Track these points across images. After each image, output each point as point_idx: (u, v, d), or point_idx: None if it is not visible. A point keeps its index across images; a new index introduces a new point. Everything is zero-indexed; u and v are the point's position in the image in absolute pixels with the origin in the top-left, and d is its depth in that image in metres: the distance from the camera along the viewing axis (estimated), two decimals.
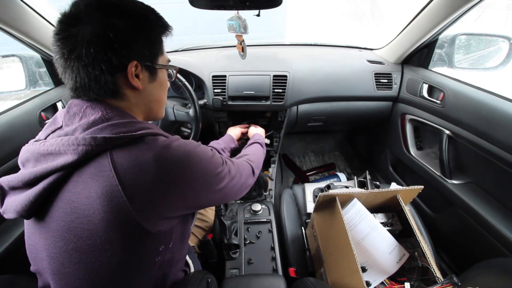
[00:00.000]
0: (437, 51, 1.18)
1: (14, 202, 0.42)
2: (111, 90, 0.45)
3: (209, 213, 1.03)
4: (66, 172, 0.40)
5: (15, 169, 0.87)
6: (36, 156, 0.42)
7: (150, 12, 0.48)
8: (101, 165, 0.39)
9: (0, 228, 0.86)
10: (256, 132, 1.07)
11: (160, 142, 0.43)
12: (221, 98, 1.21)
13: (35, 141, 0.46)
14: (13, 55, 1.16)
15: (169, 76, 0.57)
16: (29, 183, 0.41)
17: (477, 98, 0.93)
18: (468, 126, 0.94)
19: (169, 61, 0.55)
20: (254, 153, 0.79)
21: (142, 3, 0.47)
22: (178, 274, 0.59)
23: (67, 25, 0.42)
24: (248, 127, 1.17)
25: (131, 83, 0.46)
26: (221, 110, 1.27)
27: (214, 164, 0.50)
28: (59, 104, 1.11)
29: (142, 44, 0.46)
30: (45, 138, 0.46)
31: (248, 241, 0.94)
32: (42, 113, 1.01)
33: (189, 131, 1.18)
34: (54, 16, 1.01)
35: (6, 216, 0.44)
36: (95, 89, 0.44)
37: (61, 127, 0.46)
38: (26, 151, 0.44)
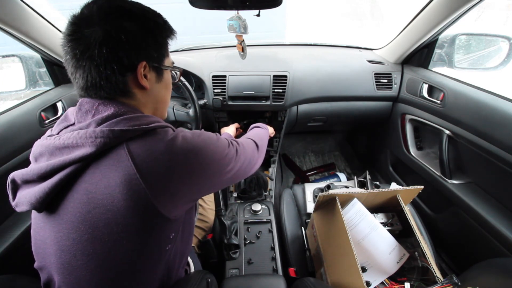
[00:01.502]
0: (437, 51, 1.18)
1: (28, 195, 0.43)
2: (121, 90, 0.47)
3: (209, 213, 1.03)
4: (83, 164, 0.42)
5: (16, 169, 0.87)
6: (51, 150, 0.43)
7: (158, 17, 0.51)
8: (119, 156, 0.41)
9: (0, 228, 0.86)
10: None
11: (170, 133, 0.46)
12: (221, 98, 1.21)
13: (49, 136, 0.46)
14: (13, 55, 1.16)
15: (172, 77, 0.60)
16: (44, 176, 0.42)
17: (477, 98, 0.93)
18: (468, 126, 0.94)
19: (173, 63, 0.58)
20: (253, 132, 0.80)
21: (150, 8, 0.50)
22: (180, 272, 0.60)
23: (80, 26, 0.44)
24: (243, 126, 1.16)
25: (140, 82, 0.48)
26: (221, 110, 1.27)
27: (220, 147, 0.53)
28: (59, 104, 1.11)
29: (151, 46, 0.49)
30: (58, 133, 0.47)
31: (248, 241, 0.94)
32: (42, 113, 1.01)
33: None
34: (54, 16, 1.02)
35: (18, 209, 0.45)
36: (106, 88, 0.46)
37: (74, 123, 0.47)
38: (40, 145, 0.45)
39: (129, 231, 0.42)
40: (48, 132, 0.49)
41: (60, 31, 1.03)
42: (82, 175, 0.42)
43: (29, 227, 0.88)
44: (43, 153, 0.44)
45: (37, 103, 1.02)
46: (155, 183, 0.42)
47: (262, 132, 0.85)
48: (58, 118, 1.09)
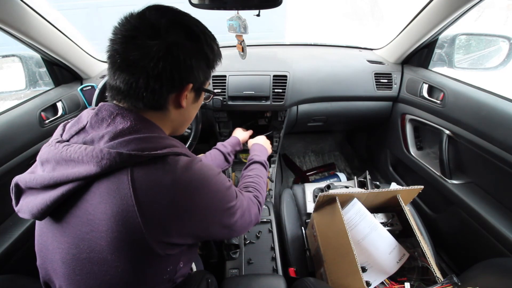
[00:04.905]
0: (437, 51, 1.18)
1: (30, 204, 0.42)
2: (159, 104, 0.46)
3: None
4: (86, 182, 0.40)
5: (16, 168, 0.88)
6: (57, 159, 0.42)
7: (214, 41, 0.51)
8: (121, 182, 0.39)
9: (0, 228, 0.86)
10: (259, 144, 0.94)
11: (181, 164, 0.43)
12: (221, 98, 1.21)
13: (58, 141, 0.44)
14: (13, 55, 1.16)
15: (205, 98, 0.59)
16: (47, 186, 0.41)
17: (477, 98, 0.93)
18: (468, 126, 0.94)
19: (209, 84, 0.58)
20: (260, 182, 0.73)
21: (209, 31, 0.51)
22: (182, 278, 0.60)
23: (143, 33, 0.42)
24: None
25: (179, 101, 0.48)
26: (221, 110, 1.27)
27: (228, 197, 0.50)
28: (59, 104, 1.11)
29: (202, 69, 0.49)
30: (68, 140, 0.45)
31: (248, 241, 0.94)
32: (42, 113, 1.01)
33: (189, 131, 1.18)
34: (54, 16, 1.01)
35: (20, 215, 0.44)
36: (146, 100, 0.45)
37: (85, 127, 0.45)
38: (47, 152, 0.44)
39: (122, 262, 0.41)
40: (57, 135, 0.47)
41: (60, 31, 1.03)
42: (85, 193, 0.41)
43: (29, 227, 0.88)
44: (50, 160, 0.43)
45: (37, 103, 1.02)
46: (153, 219, 0.40)
47: (265, 179, 0.78)
48: (58, 118, 1.09)
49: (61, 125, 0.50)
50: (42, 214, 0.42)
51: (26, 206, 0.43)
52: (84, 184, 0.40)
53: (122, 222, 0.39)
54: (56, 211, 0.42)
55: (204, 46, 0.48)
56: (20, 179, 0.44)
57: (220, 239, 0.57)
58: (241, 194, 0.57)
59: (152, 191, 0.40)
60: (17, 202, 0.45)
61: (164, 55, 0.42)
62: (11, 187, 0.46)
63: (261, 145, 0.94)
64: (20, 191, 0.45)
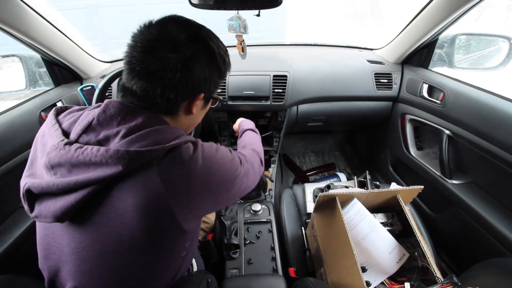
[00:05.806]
0: (437, 51, 1.18)
1: (52, 207, 0.42)
2: (171, 110, 0.50)
3: (210, 213, 1.03)
4: (111, 180, 0.41)
5: (16, 168, 0.88)
6: (73, 162, 0.41)
7: (226, 54, 0.55)
8: (148, 173, 0.41)
9: (0, 228, 0.86)
10: (245, 120, 0.99)
11: (191, 150, 0.46)
12: (221, 98, 1.21)
13: (66, 143, 0.42)
14: (13, 55, 1.16)
15: (212, 103, 0.62)
16: (68, 190, 0.41)
17: (477, 98, 0.93)
18: (468, 126, 0.94)
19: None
20: (254, 143, 0.79)
21: (223, 43, 0.54)
22: (184, 271, 0.60)
23: (164, 46, 0.45)
24: None
25: (190, 109, 0.52)
26: (221, 110, 1.27)
27: (234, 166, 0.53)
28: (59, 104, 1.11)
29: (214, 81, 0.53)
30: (77, 139, 0.44)
31: (248, 241, 0.94)
32: (42, 113, 1.01)
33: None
34: (54, 16, 1.01)
35: (39, 220, 0.44)
36: (160, 106, 0.47)
37: (91, 124, 0.44)
38: (58, 156, 0.42)
39: (154, 246, 0.44)
40: (58, 134, 0.45)
41: (60, 31, 1.03)
42: (110, 191, 0.42)
43: (29, 227, 0.88)
44: (63, 164, 0.41)
45: (37, 103, 1.02)
46: (180, 200, 0.43)
47: (259, 139, 0.83)
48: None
49: (52, 116, 0.49)
50: (66, 216, 0.42)
51: (48, 211, 0.42)
52: (108, 183, 0.41)
53: (154, 209, 0.41)
54: (76, 214, 0.42)
55: (217, 59, 0.51)
56: (33, 185, 0.42)
57: (237, 198, 0.60)
58: (242, 155, 0.61)
59: (176, 176, 0.43)
60: (31, 208, 0.44)
61: (181, 67, 0.45)
62: (22, 194, 0.44)
63: (247, 119, 1.00)
64: (34, 197, 0.44)
